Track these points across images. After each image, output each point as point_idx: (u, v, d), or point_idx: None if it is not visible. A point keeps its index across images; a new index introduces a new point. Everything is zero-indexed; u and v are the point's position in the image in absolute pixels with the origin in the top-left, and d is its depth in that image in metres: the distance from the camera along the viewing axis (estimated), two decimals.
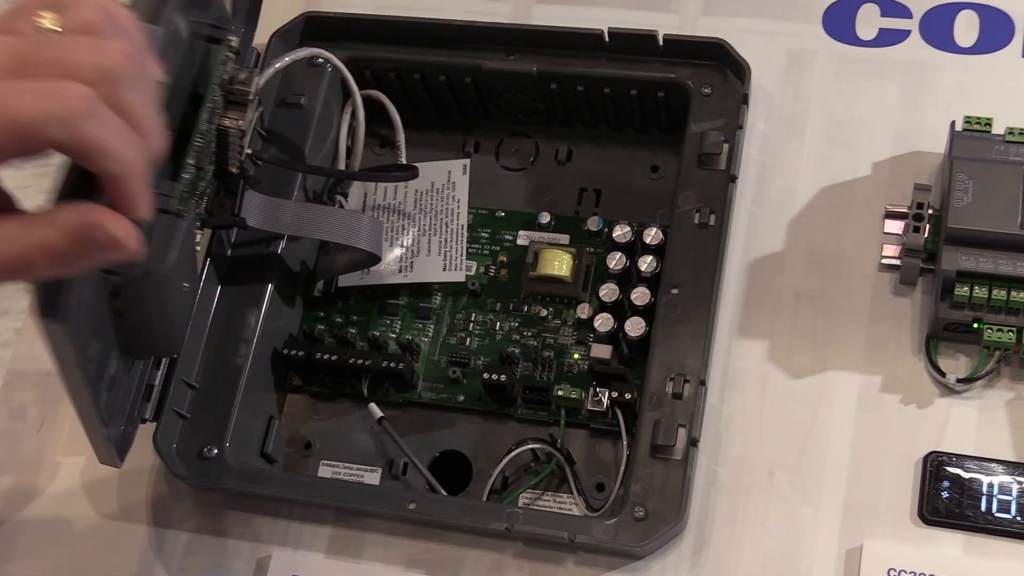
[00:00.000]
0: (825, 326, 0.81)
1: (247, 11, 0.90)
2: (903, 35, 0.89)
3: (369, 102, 0.92)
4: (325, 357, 0.86)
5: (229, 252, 0.88)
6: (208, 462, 0.82)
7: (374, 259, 0.87)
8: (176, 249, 0.74)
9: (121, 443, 0.77)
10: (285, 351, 0.87)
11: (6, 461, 0.89)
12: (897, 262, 0.81)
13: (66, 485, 0.87)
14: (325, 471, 0.86)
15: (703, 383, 0.78)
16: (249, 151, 0.84)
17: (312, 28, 0.93)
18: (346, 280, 0.90)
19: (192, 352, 0.85)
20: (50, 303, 0.60)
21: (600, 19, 0.88)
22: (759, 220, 0.85)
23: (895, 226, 0.82)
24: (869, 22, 0.90)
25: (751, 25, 0.90)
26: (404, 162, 0.91)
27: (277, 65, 0.86)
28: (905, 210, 0.81)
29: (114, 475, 0.86)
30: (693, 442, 0.76)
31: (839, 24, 0.90)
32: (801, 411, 0.80)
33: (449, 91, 0.92)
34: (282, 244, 0.88)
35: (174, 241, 0.74)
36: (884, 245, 0.82)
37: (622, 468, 0.79)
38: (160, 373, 0.84)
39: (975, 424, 0.78)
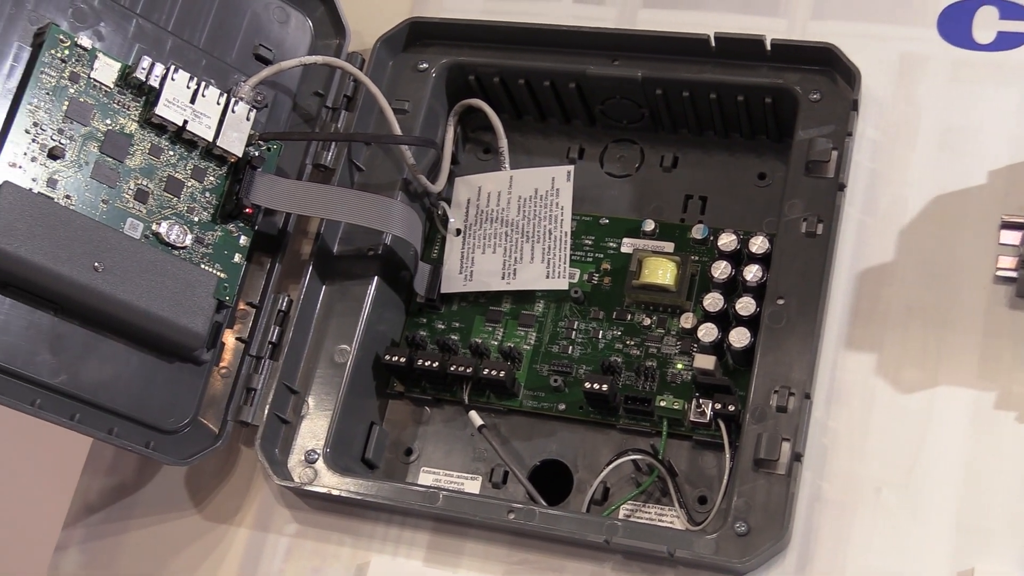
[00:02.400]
0: (936, 340, 0.79)
1: (330, 21, 0.91)
2: (1023, 39, 0.86)
3: (472, 108, 0.91)
4: (427, 364, 0.86)
5: (335, 250, 0.89)
6: (309, 467, 0.82)
7: None
8: None
9: None
10: (387, 357, 0.87)
11: (113, 462, 0.90)
12: (1013, 274, 0.79)
13: (169, 487, 0.88)
14: (425, 478, 0.86)
15: (808, 396, 0.76)
16: (253, 132, 0.86)
17: (416, 33, 0.93)
18: (449, 286, 0.89)
19: (294, 356, 0.86)
20: None
21: (706, 24, 0.87)
22: (868, 229, 0.83)
23: (1012, 237, 0.79)
24: (987, 25, 0.87)
25: (862, 29, 0.88)
26: (508, 169, 0.91)
27: (285, 65, 0.89)
28: (1023, 220, 0.78)
29: (217, 478, 0.87)
30: (797, 457, 0.75)
31: (955, 27, 0.87)
32: (910, 427, 0.77)
33: (553, 97, 0.91)
34: (382, 247, 0.88)
35: None
36: (1000, 256, 0.80)
37: (725, 481, 0.78)
38: (262, 377, 0.85)
39: None
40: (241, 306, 0.87)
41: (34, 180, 0.79)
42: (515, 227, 0.90)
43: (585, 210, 0.90)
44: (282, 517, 0.84)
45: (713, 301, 0.82)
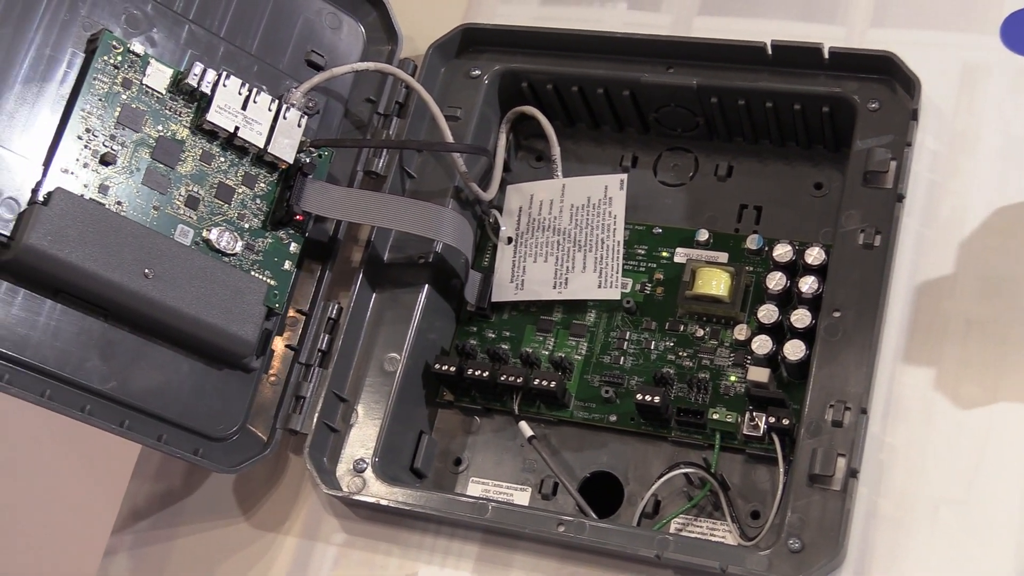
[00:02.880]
0: (997, 354, 0.77)
1: (382, 27, 0.91)
2: None
3: (525, 116, 0.91)
4: (477, 373, 0.85)
5: (385, 258, 0.88)
6: (357, 476, 0.82)
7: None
8: None
9: None
10: (437, 366, 0.86)
11: (161, 468, 0.90)
12: None
13: (217, 494, 0.88)
14: (475, 488, 0.86)
15: (865, 411, 0.75)
16: (304, 139, 0.86)
17: (469, 40, 0.92)
18: (500, 295, 0.89)
19: (344, 364, 0.85)
20: None
21: (763, 31, 0.86)
22: (927, 241, 0.81)
23: None
24: None
25: (922, 37, 0.86)
26: (560, 177, 0.90)
27: (337, 71, 0.88)
28: None
29: (265, 486, 0.86)
30: (853, 472, 0.74)
31: (1019, 34, 0.86)
32: (970, 443, 0.76)
33: (607, 104, 0.90)
34: (432, 255, 0.87)
35: None
36: None
37: (778, 496, 0.77)
38: (312, 385, 0.84)
39: None
40: (291, 313, 0.87)
41: (86, 186, 0.79)
42: (567, 236, 0.89)
43: (638, 219, 0.89)
44: (330, 526, 0.84)
45: (767, 313, 0.81)
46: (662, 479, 0.81)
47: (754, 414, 0.79)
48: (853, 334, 0.77)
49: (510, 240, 0.90)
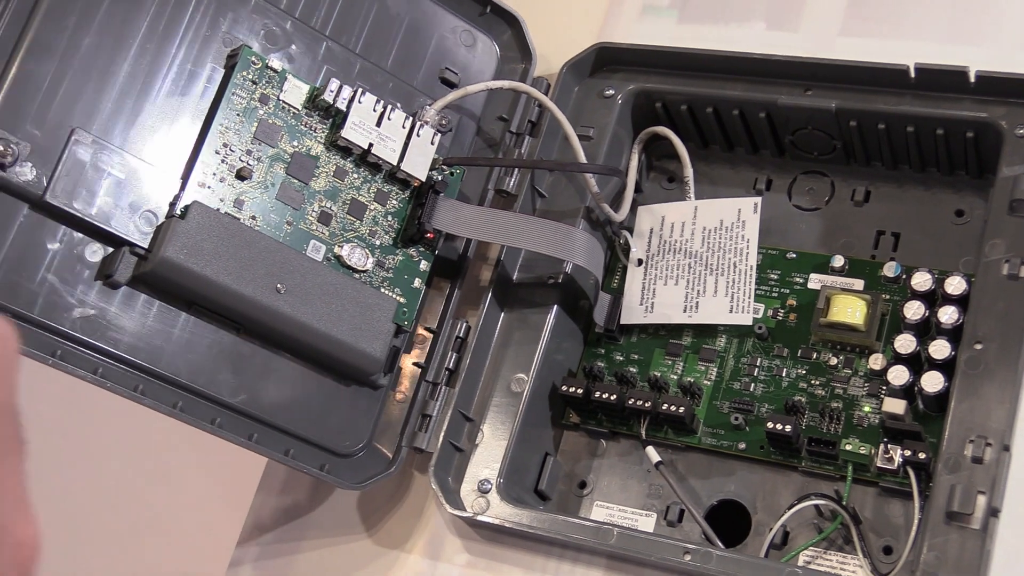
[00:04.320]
0: None
1: (517, 45, 0.91)
2: None
3: (658, 136, 0.90)
4: (604, 396, 0.84)
5: (515, 277, 0.88)
6: (482, 497, 0.82)
7: None
8: None
9: None
10: (564, 388, 0.86)
11: (286, 482, 0.90)
12: None
13: (341, 510, 0.88)
14: (599, 512, 0.85)
15: (1007, 448, 0.72)
16: (437, 156, 0.85)
17: (604, 59, 0.91)
18: (629, 317, 0.88)
19: (471, 384, 0.85)
20: None
21: (907, 53, 0.83)
22: None
23: None
24: None
25: None
26: (693, 198, 0.89)
27: (471, 89, 0.88)
28: None
29: (389, 503, 0.86)
30: (994, 512, 0.71)
31: None
32: None
33: (742, 126, 0.89)
34: (562, 275, 0.87)
35: None
36: None
37: (913, 532, 0.75)
38: (438, 403, 0.84)
39: None
40: (419, 331, 0.87)
41: (222, 200, 0.80)
42: (699, 259, 0.88)
43: (771, 243, 0.88)
44: (453, 546, 0.84)
45: (905, 343, 0.79)
46: (792, 510, 0.79)
47: (889, 446, 0.77)
48: (996, 368, 0.74)
49: (640, 262, 0.89)
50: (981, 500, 0.71)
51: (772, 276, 0.86)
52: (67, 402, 1.25)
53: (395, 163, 0.84)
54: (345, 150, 0.84)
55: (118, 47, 0.78)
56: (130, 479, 1.36)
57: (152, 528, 1.34)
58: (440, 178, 0.86)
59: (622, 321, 0.88)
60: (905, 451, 0.76)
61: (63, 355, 0.75)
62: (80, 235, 0.76)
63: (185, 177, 0.79)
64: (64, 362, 0.74)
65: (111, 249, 0.77)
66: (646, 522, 0.83)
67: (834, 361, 0.83)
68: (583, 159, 0.88)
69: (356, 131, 0.83)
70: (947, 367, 0.77)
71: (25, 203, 0.75)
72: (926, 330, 0.80)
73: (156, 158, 0.78)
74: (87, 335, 0.76)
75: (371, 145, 0.84)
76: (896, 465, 0.77)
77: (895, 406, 0.78)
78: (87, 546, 1.32)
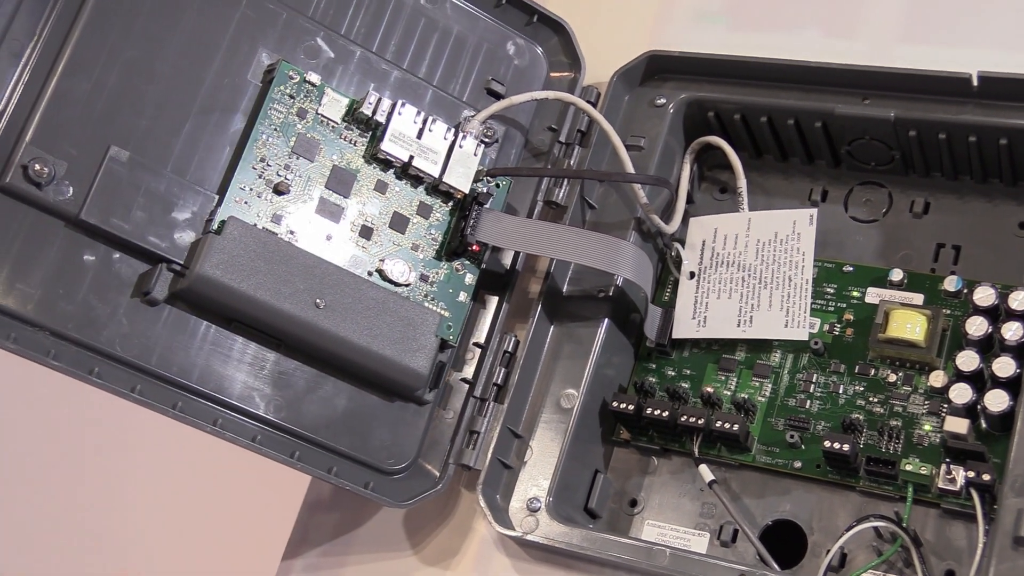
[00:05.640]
0: None
1: (564, 52, 0.90)
2: None
3: (710, 146, 0.88)
4: (656, 412, 0.83)
5: (564, 290, 0.87)
6: (531, 515, 0.80)
7: None
8: None
9: None
10: (615, 404, 0.84)
11: (331, 499, 0.89)
12: None
13: (387, 527, 0.87)
14: (650, 532, 0.83)
15: None
16: (481, 168, 0.84)
17: (655, 67, 0.90)
18: (681, 331, 0.86)
19: (520, 399, 0.84)
20: None
21: (969, 60, 0.81)
22: None
23: None
24: None
25: None
26: (746, 210, 0.87)
27: (516, 100, 0.87)
28: None
29: (435, 521, 0.85)
30: None
31: None
32: None
33: (797, 136, 0.87)
34: (612, 288, 0.85)
35: None
36: None
37: (978, 557, 0.72)
38: (486, 419, 0.83)
39: None
40: (466, 346, 0.86)
41: (259, 215, 0.79)
42: (752, 272, 0.85)
43: (827, 256, 0.85)
44: (501, 565, 0.83)
45: (967, 360, 0.76)
46: (850, 531, 0.77)
47: (951, 467, 0.75)
48: None
49: (692, 275, 0.87)
50: None
51: (828, 290, 0.84)
52: (108, 421, 1.25)
53: (436, 176, 0.83)
54: (385, 163, 0.83)
55: (154, 64, 0.78)
56: (173, 492, 1.36)
57: (197, 543, 1.34)
58: (484, 190, 0.85)
59: (674, 335, 0.86)
60: (968, 472, 0.74)
61: (101, 373, 0.74)
62: (117, 252, 0.76)
63: (222, 192, 0.78)
64: (102, 380, 0.74)
65: (148, 266, 0.77)
66: (699, 542, 0.82)
67: (893, 378, 0.80)
68: (631, 169, 0.86)
69: (396, 144, 0.82)
70: (1012, 385, 0.74)
71: (62, 221, 0.75)
72: (989, 346, 0.77)
73: (192, 174, 0.78)
74: (125, 352, 0.76)
75: (412, 158, 0.82)
76: (959, 486, 0.75)
77: (957, 425, 0.76)
78: (134, 563, 1.33)
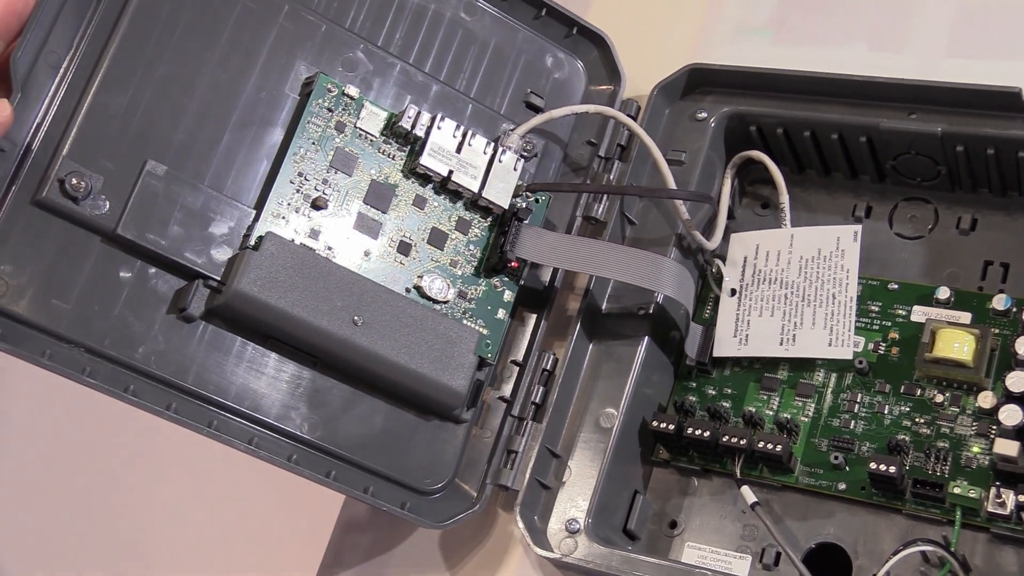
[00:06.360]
0: None
1: (604, 66, 0.89)
2: None
3: (751, 161, 0.87)
4: (697, 433, 0.81)
5: (603, 308, 0.86)
6: (570, 537, 0.79)
7: None
8: None
9: None
10: (655, 423, 0.83)
11: (366, 518, 0.88)
12: None
13: (423, 548, 0.86)
14: (690, 554, 0.82)
15: None
16: (520, 183, 0.83)
17: (696, 80, 0.89)
18: (722, 349, 0.84)
19: (558, 419, 0.83)
20: None
21: (1018, 75, 0.80)
22: None
23: None
24: None
25: None
26: (788, 226, 0.85)
27: (556, 113, 0.86)
28: None
29: (472, 542, 0.84)
30: None
31: None
32: None
33: (841, 150, 0.85)
34: (653, 305, 0.84)
35: None
36: None
37: None
38: (524, 439, 0.82)
39: None
40: (504, 364, 0.84)
41: (296, 231, 0.78)
42: (795, 289, 0.84)
43: (872, 273, 0.84)
44: None
45: (1017, 380, 0.75)
46: (897, 556, 0.75)
47: (1001, 490, 0.73)
48: None
49: (734, 292, 0.86)
50: None
51: (873, 308, 0.83)
52: (142, 438, 1.25)
53: (476, 191, 0.82)
54: (424, 177, 0.82)
55: (192, 77, 0.77)
56: (206, 511, 1.35)
57: (230, 563, 1.34)
58: (524, 205, 0.84)
59: (715, 354, 0.85)
60: (1019, 496, 0.73)
61: (136, 390, 0.73)
62: (153, 268, 0.75)
63: (259, 207, 0.77)
64: (137, 397, 0.73)
65: (184, 282, 0.76)
66: (740, 565, 0.80)
67: (940, 398, 0.79)
68: (672, 184, 0.85)
69: (435, 158, 0.81)
70: None
71: (98, 236, 0.74)
72: None
73: (229, 188, 0.77)
74: (160, 370, 0.75)
75: (451, 172, 0.81)
76: (1009, 510, 0.73)
77: (1007, 447, 0.74)
78: None
